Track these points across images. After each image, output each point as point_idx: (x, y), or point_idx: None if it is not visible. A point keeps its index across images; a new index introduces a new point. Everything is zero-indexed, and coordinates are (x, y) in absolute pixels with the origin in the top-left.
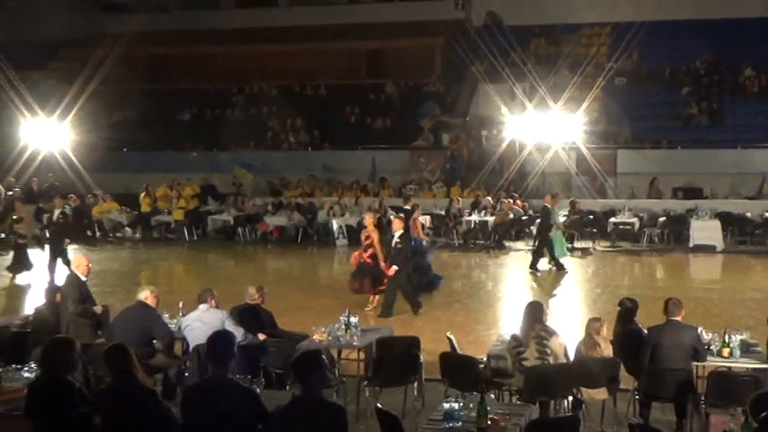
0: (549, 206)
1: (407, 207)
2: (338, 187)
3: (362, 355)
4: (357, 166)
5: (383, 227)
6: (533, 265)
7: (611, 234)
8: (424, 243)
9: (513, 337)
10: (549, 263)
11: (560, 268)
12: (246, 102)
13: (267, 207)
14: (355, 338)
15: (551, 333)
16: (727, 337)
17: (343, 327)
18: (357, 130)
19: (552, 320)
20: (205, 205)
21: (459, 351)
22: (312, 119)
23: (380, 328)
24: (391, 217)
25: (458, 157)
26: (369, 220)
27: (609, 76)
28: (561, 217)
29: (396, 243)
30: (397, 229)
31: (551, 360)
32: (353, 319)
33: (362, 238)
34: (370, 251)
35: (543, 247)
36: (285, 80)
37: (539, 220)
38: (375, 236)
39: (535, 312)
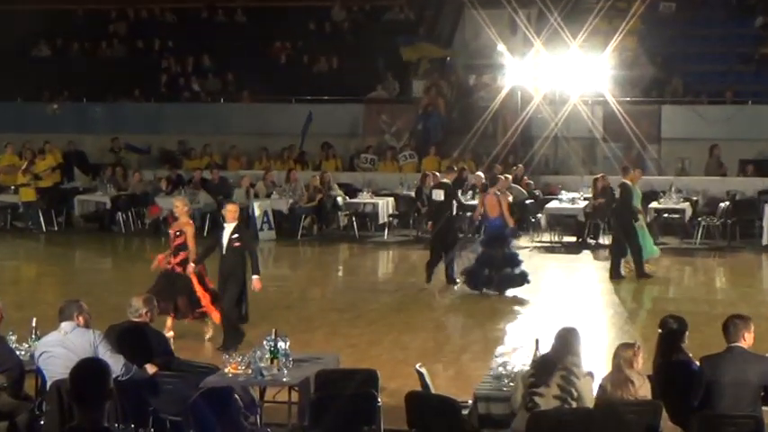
0: (629, 185)
1: (446, 180)
2: (263, 156)
3: (295, 397)
4: (290, 126)
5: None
6: (615, 271)
7: (651, 225)
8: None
9: (534, 365)
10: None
11: (643, 275)
12: (130, 31)
13: (160, 184)
14: (285, 372)
15: (584, 373)
16: None
17: (269, 355)
18: (290, 73)
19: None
20: (70, 181)
21: (433, 391)
22: (225, 57)
23: (322, 358)
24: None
25: (433, 113)
26: (180, 207)
27: (651, 1)
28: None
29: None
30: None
31: (574, 405)
32: (283, 344)
33: (171, 235)
34: (182, 254)
35: (625, 243)
36: (186, 0)
37: (614, 206)
38: (189, 231)
39: (571, 342)
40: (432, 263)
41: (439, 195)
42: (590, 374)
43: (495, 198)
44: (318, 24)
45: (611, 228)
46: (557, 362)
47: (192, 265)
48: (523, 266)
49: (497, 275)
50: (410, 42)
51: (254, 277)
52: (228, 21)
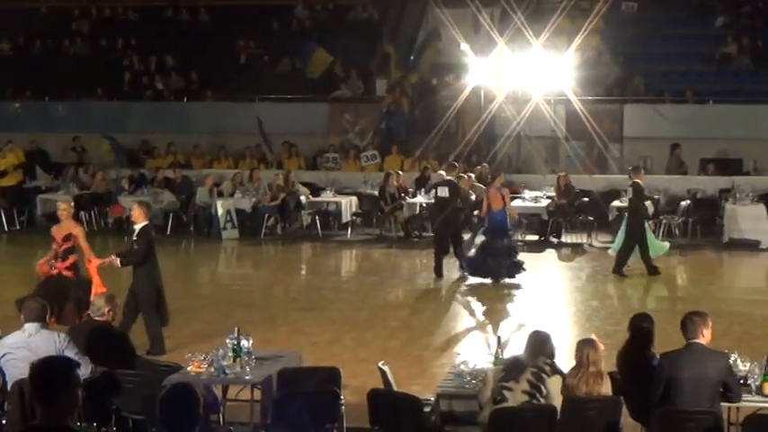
0: (641, 184)
1: (450, 177)
2: (224, 155)
3: (258, 395)
4: (254, 125)
5: None
6: (619, 267)
7: (613, 224)
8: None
9: (507, 363)
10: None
11: (654, 271)
12: (93, 30)
13: (122, 183)
14: (248, 370)
15: (556, 371)
16: None
17: (231, 353)
18: (254, 72)
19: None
20: (32, 180)
21: (395, 388)
22: (189, 56)
23: (284, 356)
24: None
25: (396, 112)
26: (64, 210)
27: (613, 1)
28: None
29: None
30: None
31: (542, 402)
32: (246, 342)
33: (56, 239)
34: (71, 258)
35: (636, 241)
36: None
37: (626, 204)
38: (79, 232)
39: (540, 343)
40: (438, 258)
41: (444, 192)
42: (561, 374)
43: (498, 192)
44: (282, 22)
45: (627, 225)
46: (529, 359)
47: (99, 261)
48: (519, 256)
49: (498, 264)
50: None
51: (113, 256)
52: (192, 19)
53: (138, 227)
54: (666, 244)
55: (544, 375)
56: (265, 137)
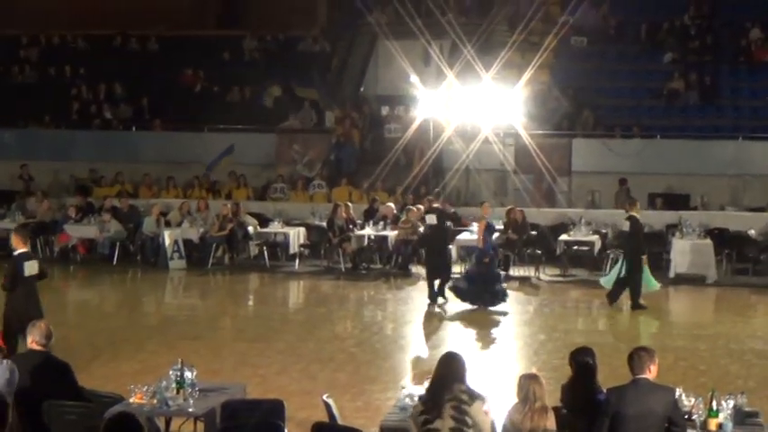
0: (637, 217)
1: (437, 205)
2: (173, 185)
3: (201, 427)
4: (201, 155)
5: None
6: (614, 298)
7: (561, 257)
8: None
9: (421, 401)
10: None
11: (638, 306)
12: (41, 57)
13: (69, 212)
14: (191, 402)
15: (474, 397)
16: (715, 404)
17: (174, 385)
18: (203, 102)
19: (476, 380)
20: None
21: (340, 422)
22: (137, 85)
23: (228, 388)
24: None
25: (346, 144)
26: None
27: (563, 35)
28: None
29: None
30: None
31: None
32: (189, 374)
33: None
34: None
35: (635, 275)
36: (99, 28)
37: (625, 238)
38: None
39: (454, 368)
40: (430, 282)
41: (432, 219)
42: (480, 398)
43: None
44: (232, 53)
45: (624, 258)
46: (444, 391)
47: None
48: (504, 285)
49: (484, 292)
50: (306, 82)
51: None
52: (141, 49)
53: (16, 254)
54: (657, 284)
55: (465, 407)
56: (217, 160)
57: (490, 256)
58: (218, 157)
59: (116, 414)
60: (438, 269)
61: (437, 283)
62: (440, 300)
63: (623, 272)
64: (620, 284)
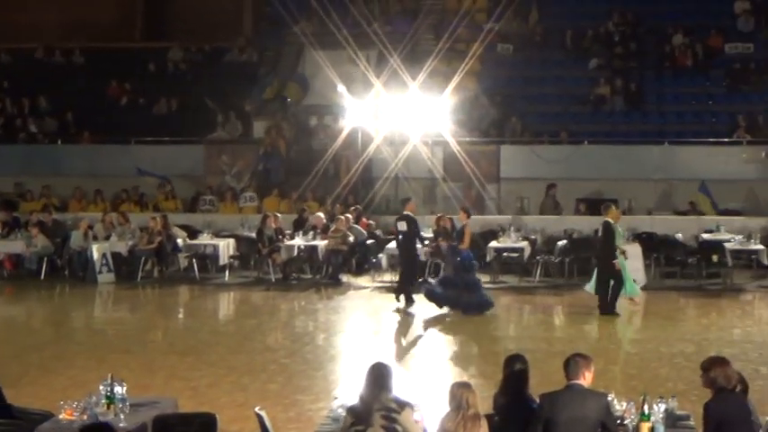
0: (611, 222)
1: (407, 212)
2: (101, 198)
3: None
4: (130, 168)
5: None
6: (610, 306)
7: (491, 264)
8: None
9: (351, 412)
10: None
11: (610, 311)
12: None
13: None
14: (122, 417)
15: (403, 405)
16: (647, 408)
17: (105, 400)
18: (130, 114)
19: (408, 389)
20: None
21: None
22: (63, 98)
23: (159, 402)
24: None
25: (273, 154)
26: None
27: (489, 42)
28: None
29: None
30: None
31: None
32: (119, 389)
33: None
34: None
35: (611, 277)
36: (23, 41)
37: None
38: None
39: (381, 377)
40: (403, 287)
41: (402, 226)
42: (409, 406)
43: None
44: (158, 65)
45: (597, 266)
46: (373, 401)
47: None
48: (484, 293)
49: (458, 298)
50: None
51: None
52: (66, 61)
53: None
54: (638, 289)
55: (394, 415)
56: (150, 173)
57: (470, 262)
58: (152, 173)
59: (89, 425)
60: (407, 275)
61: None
62: (401, 302)
63: (612, 281)
64: (613, 291)
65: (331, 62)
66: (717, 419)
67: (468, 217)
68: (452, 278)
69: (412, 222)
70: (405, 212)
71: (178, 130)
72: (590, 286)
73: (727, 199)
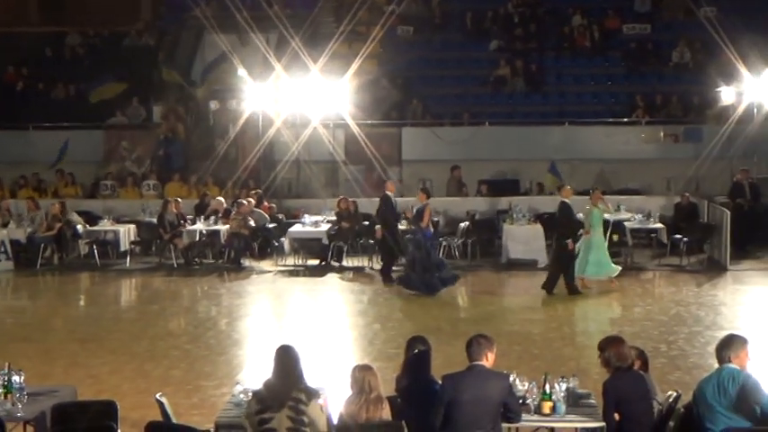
0: (567, 202)
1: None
2: None
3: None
4: (28, 154)
5: None
6: (572, 288)
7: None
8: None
9: (257, 398)
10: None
11: (575, 290)
12: None
13: None
14: (20, 407)
15: (312, 395)
16: (548, 387)
17: (2, 390)
18: (27, 100)
19: (312, 373)
20: None
21: (174, 420)
22: None
23: (58, 390)
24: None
25: (174, 139)
26: None
27: (389, 25)
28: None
29: None
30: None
31: (308, 431)
32: (17, 378)
33: None
34: None
35: (567, 259)
36: None
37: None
38: None
39: (289, 362)
40: (386, 268)
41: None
42: (316, 394)
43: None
44: (55, 50)
45: (554, 245)
46: (282, 388)
47: None
48: (449, 269)
49: (432, 278)
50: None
51: None
52: None
53: None
54: (617, 267)
55: (302, 406)
56: (59, 157)
57: (431, 241)
58: (59, 154)
59: None
60: (388, 255)
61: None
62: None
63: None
64: (564, 270)
65: (231, 45)
66: (615, 397)
67: (428, 197)
68: (422, 259)
69: (384, 201)
70: (386, 192)
71: (77, 116)
72: (579, 270)
73: (627, 179)
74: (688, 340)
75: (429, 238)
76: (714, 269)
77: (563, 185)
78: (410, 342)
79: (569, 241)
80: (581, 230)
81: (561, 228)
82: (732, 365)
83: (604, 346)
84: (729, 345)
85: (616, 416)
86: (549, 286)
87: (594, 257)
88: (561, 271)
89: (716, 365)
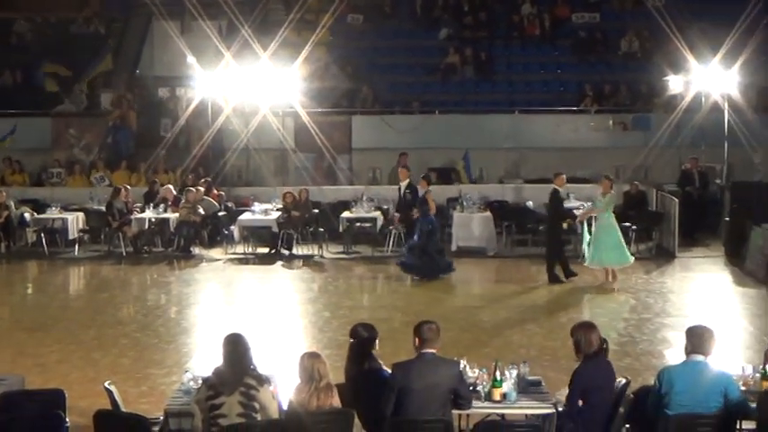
0: (558, 189)
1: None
2: None
3: None
4: None
5: None
6: (567, 273)
7: (343, 235)
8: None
9: (207, 384)
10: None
11: (556, 279)
12: None
13: None
14: None
15: (262, 381)
16: (498, 374)
17: None
18: None
19: (262, 361)
20: None
21: (122, 408)
22: None
23: (6, 379)
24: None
25: (123, 127)
26: None
27: (339, 12)
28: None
29: None
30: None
31: (259, 418)
32: None
33: None
34: None
35: (556, 245)
36: None
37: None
38: None
39: (239, 350)
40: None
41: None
42: (267, 380)
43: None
44: (1, 36)
45: (545, 233)
46: (232, 375)
47: None
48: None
49: (432, 263)
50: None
51: None
52: None
53: None
54: (631, 257)
55: (253, 392)
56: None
57: (433, 226)
58: (5, 134)
59: None
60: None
61: None
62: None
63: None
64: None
65: (181, 32)
66: (583, 385)
67: (429, 184)
68: (423, 245)
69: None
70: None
71: (24, 103)
72: (589, 260)
73: (576, 167)
74: (638, 327)
75: (433, 223)
76: (663, 257)
77: (558, 174)
78: (355, 329)
79: (611, 227)
80: (568, 219)
81: (551, 216)
82: (700, 357)
83: (572, 331)
84: (704, 336)
85: (579, 402)
86: (552, 278)
87: (612, 241)
88: (555, 258)
89: (665, 351)
